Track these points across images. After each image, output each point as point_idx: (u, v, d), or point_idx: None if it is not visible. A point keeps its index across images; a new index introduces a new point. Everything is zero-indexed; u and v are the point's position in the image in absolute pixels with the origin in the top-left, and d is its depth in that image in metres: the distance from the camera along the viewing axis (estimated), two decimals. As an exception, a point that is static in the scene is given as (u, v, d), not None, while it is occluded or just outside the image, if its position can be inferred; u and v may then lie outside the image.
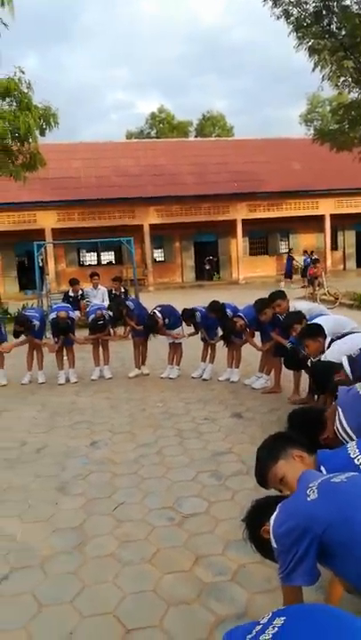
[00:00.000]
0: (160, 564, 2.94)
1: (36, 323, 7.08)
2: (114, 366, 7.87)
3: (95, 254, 25.73)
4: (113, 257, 26.16)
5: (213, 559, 2.95)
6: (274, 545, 1.69)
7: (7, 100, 13.55)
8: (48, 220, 21.80)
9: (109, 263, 25.68)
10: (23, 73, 13.71)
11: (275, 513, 1.72)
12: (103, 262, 25.62)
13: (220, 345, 6.97)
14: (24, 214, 21.62)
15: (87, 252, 25.63)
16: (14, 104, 13.41)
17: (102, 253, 25.83)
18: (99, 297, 10.02)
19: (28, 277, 22.10)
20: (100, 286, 10.36)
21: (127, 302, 7.44)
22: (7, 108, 13.43)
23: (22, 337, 7.09)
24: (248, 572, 2.79)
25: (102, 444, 4.88)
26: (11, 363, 7.68)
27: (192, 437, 4.95)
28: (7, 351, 7.20)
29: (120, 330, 7.95)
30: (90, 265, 24.70)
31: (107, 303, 8.76)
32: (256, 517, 1.89)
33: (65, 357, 7.37)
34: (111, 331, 7.68)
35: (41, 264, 22.94)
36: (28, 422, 5.65)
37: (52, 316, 7.19)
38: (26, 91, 13.57)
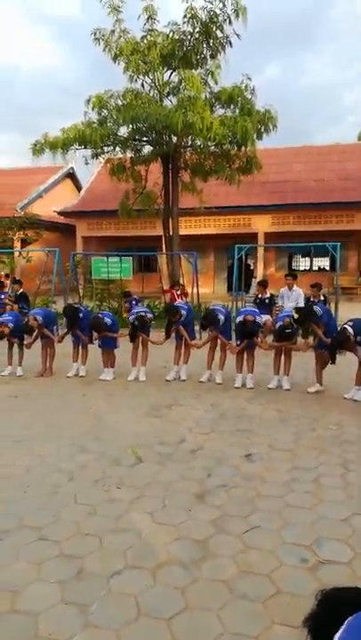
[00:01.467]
0: (275, 610, 2.58)
1: (221, 318, 7.23)
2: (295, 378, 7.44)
3: (308, 259, 25.04)
4: (328, 263, 25.06)
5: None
6: None
7: (231, 107, 14.07)
8: (262, 224, 21.99)
9: (322, 269, 24.68)
10: (250, 80, 14.05)
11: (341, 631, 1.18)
12: (315, 268, 24.76)
13: None
14: (240, 218, 22.22)
15: (302, 257, 25.10)
16: (237, 110, 13.83)
17: (315, 259, 24.98)
18: (293, 299, 9.48)
19: (242, 279, 22.65)
20: (295, 287, 9.77)
21: (315, 308, 6.89)
22: (230, 114, 13.91)
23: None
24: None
25: (257, 458, 4.61)
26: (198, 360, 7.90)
27: (359, 471, 4.32)
28: (199, 346, 7.67)
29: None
30: (303, 270, 24.11)
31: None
32: (324, 624, 1.27)
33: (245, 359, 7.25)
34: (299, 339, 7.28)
35: (252, 267, 23.54)
36: (194, 421, 5.70)
37: (239, 319, 7.13)
38: (249, 97, 13.88)
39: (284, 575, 2.87)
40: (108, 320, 7.58)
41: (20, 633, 2.44)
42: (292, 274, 10.28)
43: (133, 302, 11.14)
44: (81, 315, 7.88)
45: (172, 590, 2.74)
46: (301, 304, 8.98)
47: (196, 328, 8.40)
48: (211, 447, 4.88)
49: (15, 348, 8.07)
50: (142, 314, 7.63)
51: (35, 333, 7.78)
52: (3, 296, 11.47)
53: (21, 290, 11.72)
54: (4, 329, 7.69)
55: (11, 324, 7.76)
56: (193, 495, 3.86)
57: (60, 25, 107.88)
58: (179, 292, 12.19)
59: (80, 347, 7.89)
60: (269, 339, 8.03)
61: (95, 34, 13.81)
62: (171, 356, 7.87)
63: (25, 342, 7.95)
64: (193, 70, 13.40)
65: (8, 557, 3.06)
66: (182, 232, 19.91)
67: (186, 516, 3.55)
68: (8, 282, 15.08)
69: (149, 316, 7.80)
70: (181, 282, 13.75)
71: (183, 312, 7.54)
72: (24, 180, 27.24)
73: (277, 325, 7.16)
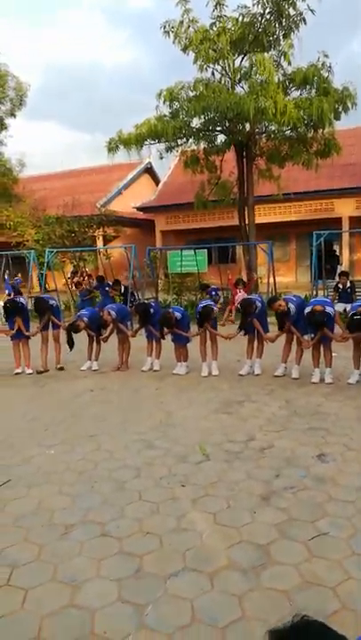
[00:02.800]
0: (337, 628, 2.40)
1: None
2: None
3: None
4: None
5: None
6: None
7: (307, 87, 13.48)
8: (346, 208, 20.91)
9: None
10: (327, 57, 13.37)
11: None
12: None
13: None
14: (322, 203, 21.27)
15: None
16: (313, 91, 13.22)
17: None
18: None
19: (322, 267, 21.81)
20: None
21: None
22: (306, 95, 13.34)
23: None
24: None
25: (330, 459, 4.37)
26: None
27: None
28: (273, 339, 7.42)
29: None
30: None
31: None
32: None
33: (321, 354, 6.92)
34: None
35: (337, 253, 22.47)
36: (265, 418, 5.52)
37: (308, 309, 6.80)
38: (326, 75, 13.22)
39: (351, 590, 2.67)
40: (177, 314, 7.57)
41: (76, 628, 2.48)
42: None
43: (213, 293, 11.10)
44: (152, 310, 7.96)
45: (229, 597, 2.65)
46: None
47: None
48: (281, 446, 4.70)
49: (93, 343, 8.33)
50: (209, 305, 7.58)
51: (109, 328, 7.98)
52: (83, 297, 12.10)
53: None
54: (80, 323, 7.97)
55: (85, 319, 8.03)
56: (259, 496, 3.73)
57: (139, 22, 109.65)
58: (240, 291, 11.97)
59: (153, 341, 7.97)
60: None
61: (165, 27, 13.79)
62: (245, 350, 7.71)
63: (101, 337, 8.19)
64: (265, 53, 12.97)
65: (71, 552, 3.12)
66: (262, 220, 19.50)
67: (250, 518, 3.43)
68: (91, 280, 15.75)
69: (215, 308, 7.73)
70: (258, 272, 13.46)
71: (258, 304, 7.35)
72: (104, 177, 28.09)
73: (351, 315, 6.75)
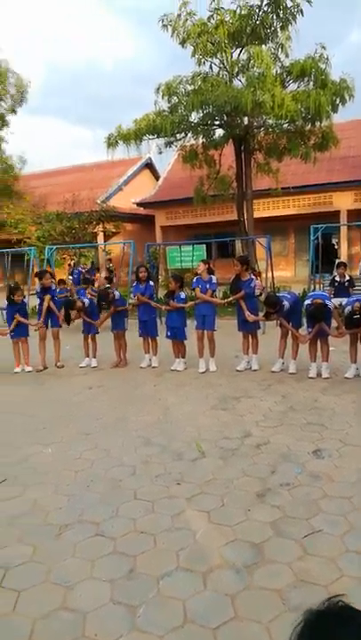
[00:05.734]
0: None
1: (286, 304, 6.85)
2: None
3: None
4: None
5: None
6: None
7: (305, 80, 13.37)
8: (344, 201, 20.80)
9: None
10: (324, 49, 13.26)
11: None
12: None
13: None
14: (320, 196, 21.15)
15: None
16: (311, 84, 13.12)
17: None
18: None
19: (321, 261, 21.71)
20: None
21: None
22: (303, 88, 13.24)
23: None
24: None
25: (326, 454, 4.35)
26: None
27: None
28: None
29: None
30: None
31: None
32: None
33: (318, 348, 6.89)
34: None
35: (336, 247, 22.37)
36: (261, 413, 5.51)
37: (307, 302, 6.77)
38: (323, 67, 13.11)
39: (345, 588, 2.66)
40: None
41: (67, 631, 2.47)
42: None
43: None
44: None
45: (222, 597, 2.64)
46: None
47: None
48: (277, 442, 4.68)
49: (88, 339, 8.33)
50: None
51: (102, 316, 8.34)
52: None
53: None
54: (77, 302, 8.28)
55: (86, 300, 8.40)
56: (254, 494, 3.72)
57: (139, 15, 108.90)
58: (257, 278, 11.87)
59: (149, 338, 7.96)
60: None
61: (162, 20, 13.69)
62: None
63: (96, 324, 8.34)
64: (262, 45, 12.87)
65: (65, 552, 3.12)
66: (261, 214, 19.40)
67: (244, 516, 3.42)
68: (99, 275, 15.66)
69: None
70: (258, 267, 13.39)
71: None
72: (105, 173, 27.99)
73: (346, 310, 6.71)
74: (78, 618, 2.55)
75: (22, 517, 3.57)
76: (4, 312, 11.70)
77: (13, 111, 24.67)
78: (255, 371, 7.30)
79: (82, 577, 2.87)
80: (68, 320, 8.03)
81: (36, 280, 8.65)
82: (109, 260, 20.44)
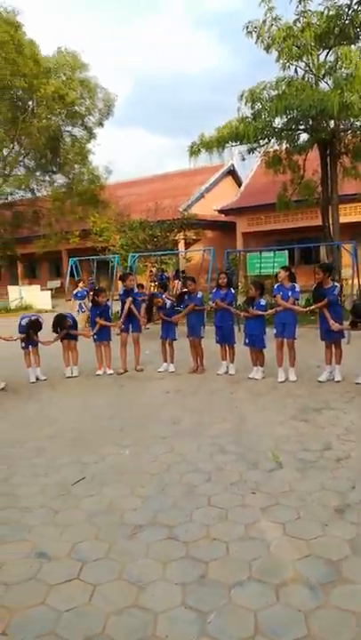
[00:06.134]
0: None
1: None
2: None
3: None
4: None
5: None
6: None
7: None
8: None
9: None
10: None
11: None
12: None
13: None
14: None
15: None
16: None
17: None
18: None
19: None
20: None
21: None
22: None
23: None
24: None
25: None
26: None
27: None
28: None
29: None
30: None
31: None
32: None
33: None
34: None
35: None
36: (343, 426, 5.28)
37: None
38: None
39: None
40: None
41: (139, 629, 2.51)
42: None
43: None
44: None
45: (295, 613, 2.56)
46: None
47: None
48: (359, 457, 4.47)
49: (166, 345, 8.46)
50: None
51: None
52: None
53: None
54: (158, 299, 8.47)
55: (166, 301, 8.56)
56: (332, 508, 3.57)
57: (224, 25, 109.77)
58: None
59: (227, 345, 7.93)
60: None
61: (247, 27, 13.69)
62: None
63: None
64: (351, 45, 12.45)
65: (138, 553, 3.17)
66: (347, 219, 18.70)
67: (321, 531, 3.29)
68: (176, 282, 16.01)
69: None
70: (342, 274, 12.90)
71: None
72: (188, 181, 28.45)
73: None
74: (150, 617, 2.59)
75: (99, 515, 3.68)
76: (80, 311, 12.40)
77: (100, 124, 25.80)
78: (338, 382, 7.03)
79: (153, 578, 2.91)
80: (150, 315, 8.30)
81: (120, 284, 8.95)
82: (177, 269, 20.71)
